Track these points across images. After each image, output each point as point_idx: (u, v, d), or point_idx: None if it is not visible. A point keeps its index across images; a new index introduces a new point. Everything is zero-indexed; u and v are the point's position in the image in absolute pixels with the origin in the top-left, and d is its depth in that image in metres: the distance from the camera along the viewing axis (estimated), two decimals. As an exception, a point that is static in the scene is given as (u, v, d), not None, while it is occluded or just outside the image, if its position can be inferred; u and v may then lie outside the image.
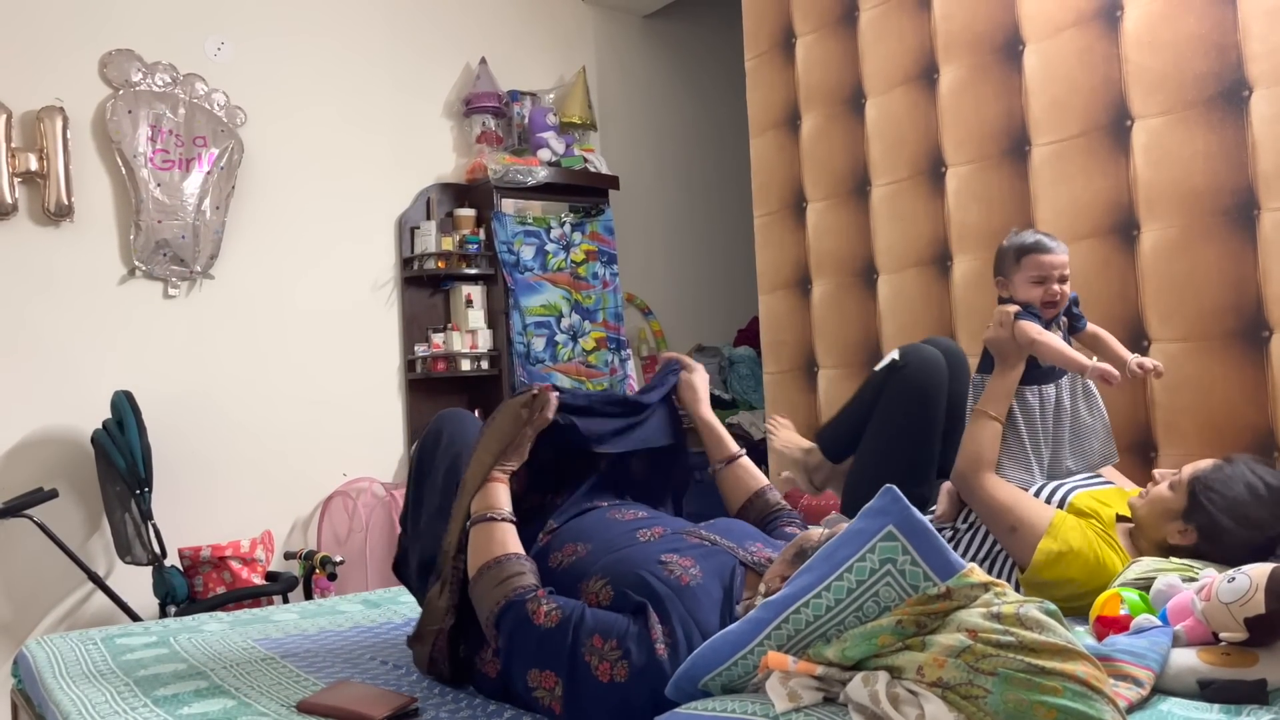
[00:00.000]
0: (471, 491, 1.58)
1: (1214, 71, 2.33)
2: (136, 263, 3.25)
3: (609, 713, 1.30)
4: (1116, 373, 1.87)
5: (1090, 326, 2.12)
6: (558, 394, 1.66)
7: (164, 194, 3.26)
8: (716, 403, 4.33)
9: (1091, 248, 2.55)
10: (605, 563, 1.46)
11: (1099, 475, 2.11)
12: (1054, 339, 1.98)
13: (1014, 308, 2.01)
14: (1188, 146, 2.37)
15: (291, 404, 3.51)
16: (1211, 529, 1.73)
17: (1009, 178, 2.73)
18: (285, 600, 3.11)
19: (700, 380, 1.98)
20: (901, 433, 2.19)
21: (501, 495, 1.57)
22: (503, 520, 1.53)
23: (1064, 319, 2.09)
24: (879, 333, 3.06)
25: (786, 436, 2.58)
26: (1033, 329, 1.97)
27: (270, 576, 3.23)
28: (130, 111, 3.23)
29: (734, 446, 1.91)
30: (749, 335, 4.53)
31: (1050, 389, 2.05)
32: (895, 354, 2.26)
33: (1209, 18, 2.33)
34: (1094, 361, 1.91)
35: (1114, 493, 2.02)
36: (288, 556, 3.38)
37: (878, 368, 2.28)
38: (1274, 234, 2.24)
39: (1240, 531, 1.70)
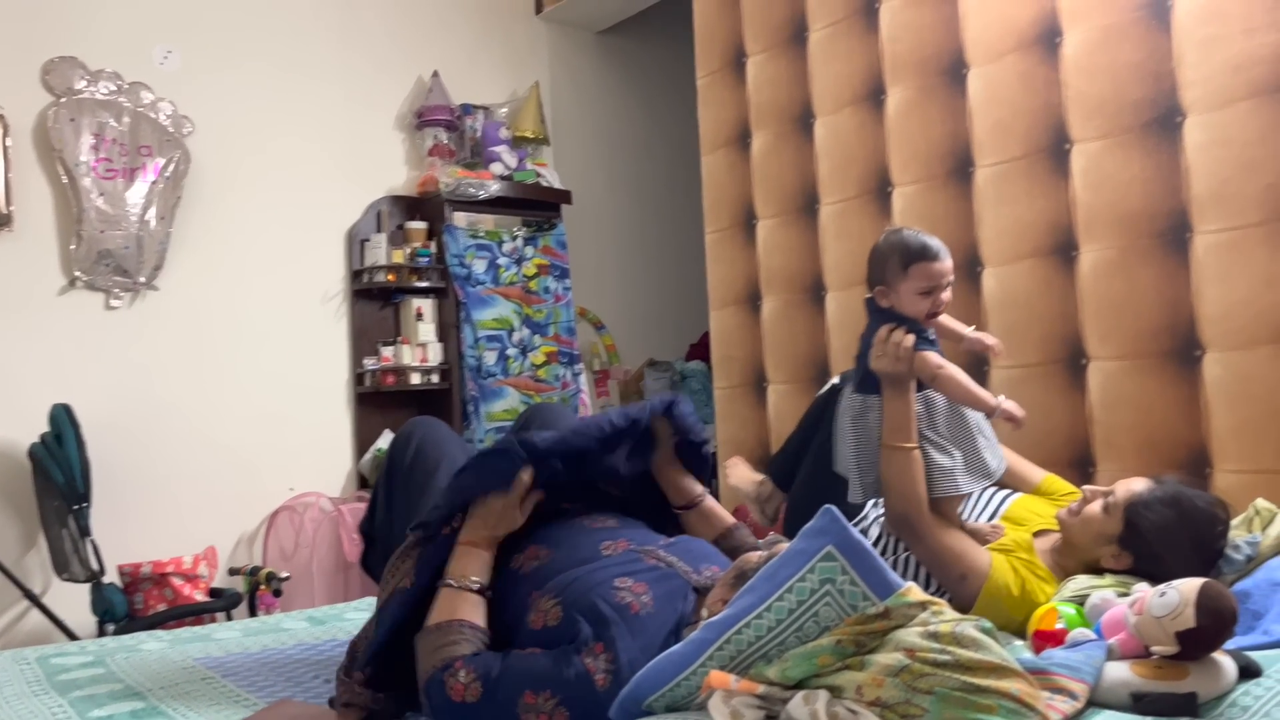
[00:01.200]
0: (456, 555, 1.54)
1: (1149, 98, 2.40)
2: (77, 273, 3.19)
3: None
4: (1022, 414, 1.77)
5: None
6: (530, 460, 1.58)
7: (107, 204, 3.21)
8: (668, 417, 4.36)
9: (1033, 268, 2.61)
10: (560, 580, 1.46)
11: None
12: (957, 372, 1.82)
13: (910, 339, 1.82)
14: (1125, 170, 2.44)
15: (237, 418, 3.46)
16: (1146, 555, 1.77)
17: (954, 198, 2.78)
18: (229, 618, 3.06)
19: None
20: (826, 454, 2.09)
21: (479, 564, 1.52)
22: (471, 591, 1.49)
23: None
24: (828, 349, 3.09)
25: (739, 474, 2.46)
26: (934, 361, 1.80)
27: (213, 593, 3.18)
28: (73, 120, 3.17)
29: (697, 489, 1.83)
30: (701, 350, 4.55)
31: (936, 395, 1.90)
32: (835, 378, 2.25)
33: (1144, 46, 2.40)
34: (1000, 401, 1.78)
35: (1034, 502, 2.06)
36: (232, 573, 3.33)
37: (820, 393, 2.26)
38: (1206, 256, 2.30)
39: (1174, 558, 1.74)
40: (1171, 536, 1.73)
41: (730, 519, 1.82)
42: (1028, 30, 2.62)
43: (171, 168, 3.33)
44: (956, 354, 2.08)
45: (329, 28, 3.76)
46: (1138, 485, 1.82)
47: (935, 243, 1.83)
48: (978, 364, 2.72)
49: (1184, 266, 2.34)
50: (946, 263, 1.83)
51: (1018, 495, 2.08)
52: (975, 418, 1.90)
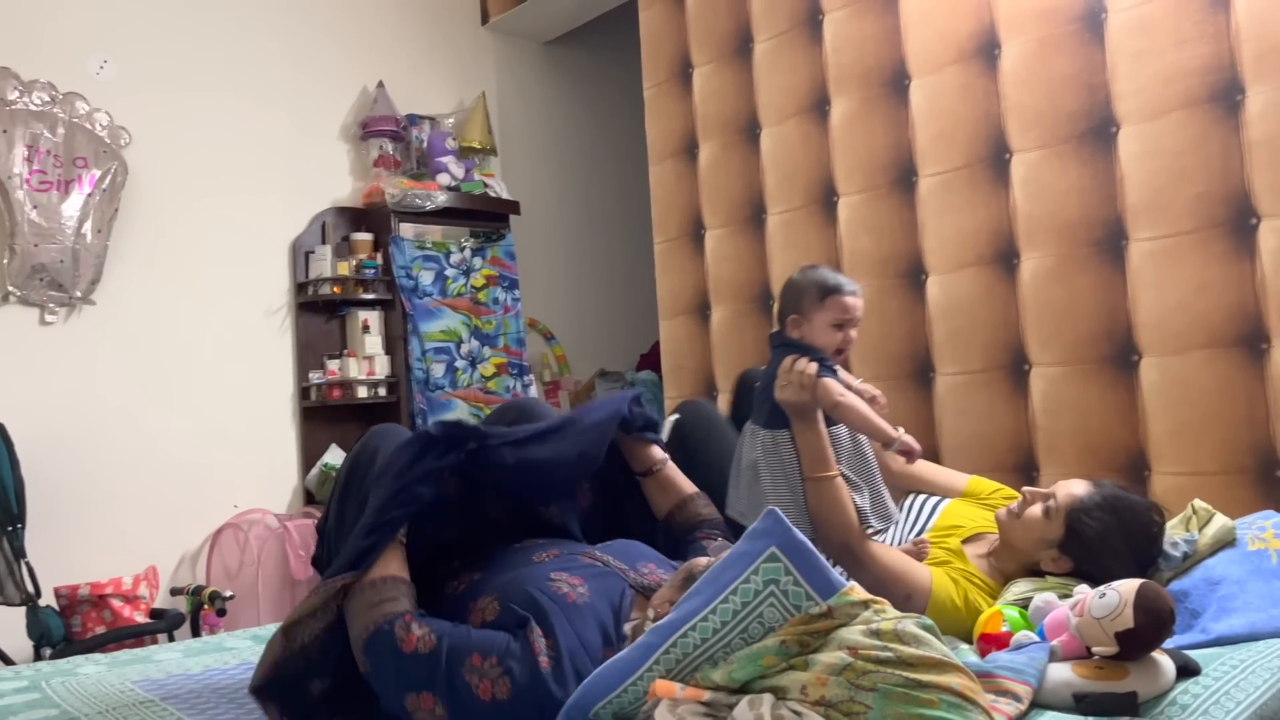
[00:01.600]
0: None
1: (1085, 109, 2.45)
2: (10, 288, 3.11)
3: None
4: (918, 448, 1.79)
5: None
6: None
7: (41, 216, 3.13)
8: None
9: (975, 275, 2.65)
10: (495, 582, 1.46)
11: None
12: (858, 402, 1.85)
13: (813, 366, 1.85)
14: (1062, 180, 2.49)
15: (179, 434, 3.39)
16: (1086, 559, 1.80)
17: (898, 207, 2.82)
18: (171, 639, 2.99)
19: None
20: (703, 481, 2.06)
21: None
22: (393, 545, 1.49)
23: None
24: (776, 358, 3.11)
25: None
26: (835, 390, 1.83)
27: (155, 614, 3.10)
28: (5, 131, 3.09)
29: (658, 456, 1.86)
30: (652, 360, 4.55)
31: (840, 429, 1.93)
32: (675, 415, 2.25)
33: (1079, 58, 2.46)
34: (900, 433, 1.80)
35: (963, 507, 2.09)
36: (174, 592, 3.26)
37: (665, 436, 2.22)
38: (1141, 264, 2.36)
39: (1113, 562, 1.77)
40: (1111, 541, 1.76)
41: (690, 488, 1.83)
42: (967, 42, 2.67)
43: (108, 180, 3.26)
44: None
45: (271, 37, 3.71)
46: (1078, 489, 1.84)
47: (850, 281, 1.90)
48: (923, 370, 2.75)
49: (1120, 274, 2.39)
50: (859, 299, 1.89)
51: (947, 502, 2.11)
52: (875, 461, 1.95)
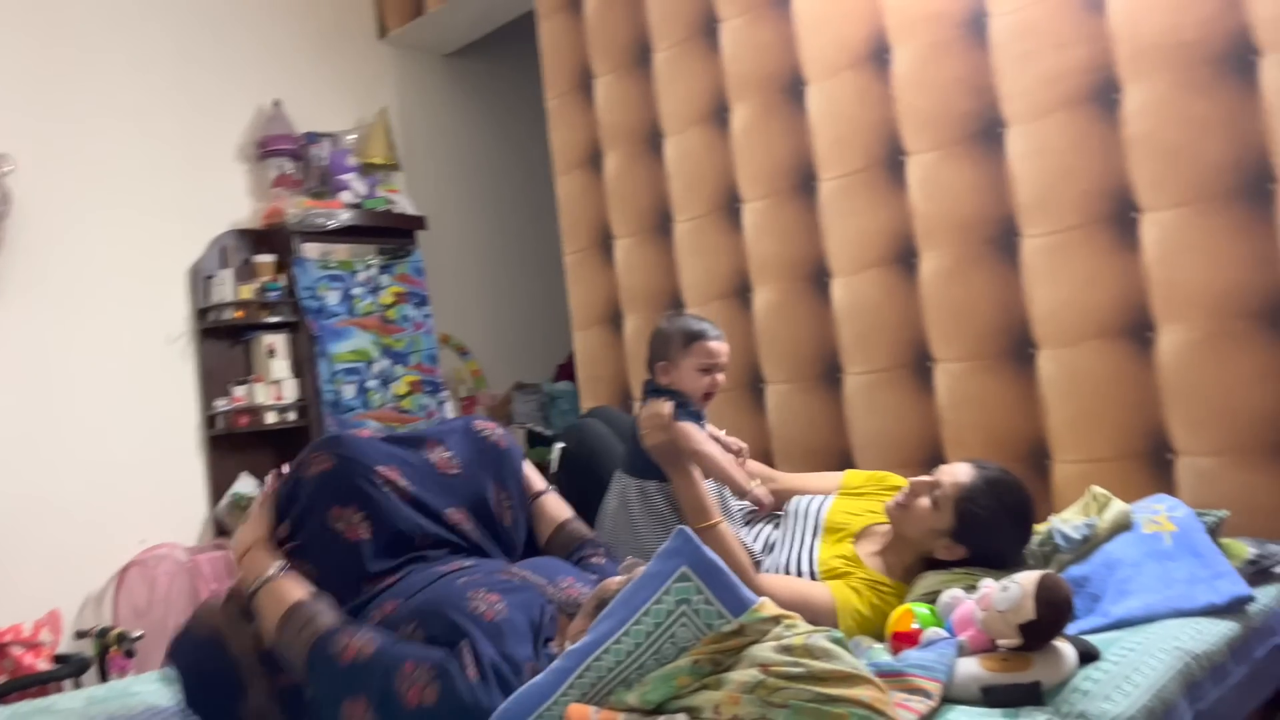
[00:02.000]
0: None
1: (974, 110, 2.52)
2: (-113, 327, 2.96)
3: None
4: (770, 502, 1.88)
5: None
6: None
7: (-82, 251, 2.98)
8: (540, 439, 4.34)
9: (878, 276, 2.70)
10: (414, 606, 1.44)
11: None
12: (716, 452, 1.92)
13: (669, 406, 1.93)
14: (956, 180, 2.55)
15: (78, 469, 3.26)
16: (979, 544, 1.85)
17: (800, 211, 2.86)
18: (78, 684, 2.87)
19: None
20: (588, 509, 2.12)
21: (265, 558, 1.53)
22: (281, 578, 1.48)
23: None
24: (689, 364, 3.13)
25: None
26: (696, 436, 1.91)
27: (59, 660, 2.97)
28: (-126, 162, 2.94)
29: (541, 484, 1.90)
30: (569, 371, 4.54)
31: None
32: (561, 444, 2.30)
33: (967, 61, 2.52)
34: (754, 485, 1.87)
35: (846, 504, 2.13)
36: (79, 636, 3.13)
37: (553, 469, 2.24)
38: (1033, 260, 2.43)
39: (1003, 543, 1.83)
40: (1000, 523, 1.81)
41: (566, 512, 1.86)
42: (860, 47, 2.72)
43: (-10, 209, 3.12)
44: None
45: (161, 56, 3.60)
46: (963, 476, 1.89)
47: (712, 326, 2.01)
48: (831, 371, 2.80)
49: (1015, 270, 2.46)
50: (724, 344, 2.00)
51: (830, 502, 2.14)
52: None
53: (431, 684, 1.28)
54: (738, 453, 2.01)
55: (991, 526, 1.78)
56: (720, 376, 1.98)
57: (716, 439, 2.04)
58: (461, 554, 1.66)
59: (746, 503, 2.10)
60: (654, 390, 2.00)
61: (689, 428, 1.92)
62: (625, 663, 1.16)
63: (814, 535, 2.04)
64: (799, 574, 1.96)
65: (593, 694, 1.17)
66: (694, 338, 1.97)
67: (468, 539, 1.69)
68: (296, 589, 1.47)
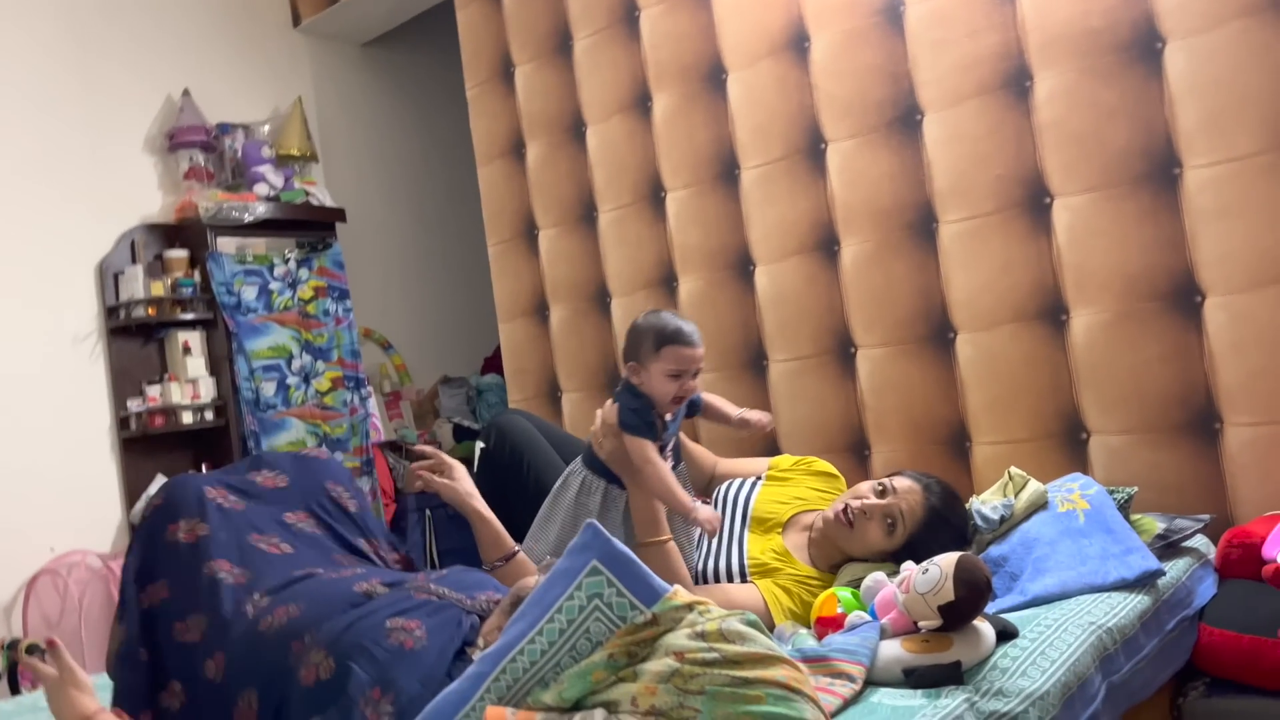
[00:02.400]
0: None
1: (891, 98, 2.54)
2: None
3: None
4: (715, 527, 1.79)
5: (704, 396, 2.04)
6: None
7: None
8: (467, 433, 4.28)
9: (800, 264, 2.72)
10: (327, 631, 1.38)
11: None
12: (663, 471, 1.82)
13: (613, 412, 1.87)
14: (875, 167, 2.58)
15: (-19, 477, 3.13)
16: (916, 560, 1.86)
17: (723, 200, 2.86)
18: (-15, 699, 2.76)
19: (461, 474, 1.87)
20: (532, 500, 2.09)
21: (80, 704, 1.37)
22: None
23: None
24: (615, 355, 3.12)
25: None
26: (642, 453, 1.81)
27: (-35, 674, 2.86)
28: None
29: (511, 544, 1.84)
30: (496, 364, 4.50)
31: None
32: (479, 444, 2.23)
33: (883, 49, 2.54)
34: (696, 507, 1.80)
35: (773, 491, 2.13)
36: (-14, 648, 3.01)
37: (475, 468, 2.18)
38: (951, 245, 2.47)
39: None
40: (944, 547, 1.79)
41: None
42: (779, 35, 2.73)
43: (-122, 205, 2.97)
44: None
45: (62, 43, 3.45)
46: (918, 506, 1.89)
47: (690, 329, 1.86)
48: (756, 359, 2.81)
49: (933, 255, 2.50)
50: (698, 350, 1.85)
51: (757, 488, 2.13)
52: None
53: None
54: (759, 424, 1.93)
55: (937, 547, 1.76)
56: (693, 383, 1.86)
57: (745, 419, 1.97)
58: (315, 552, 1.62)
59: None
60: (625, 388, 1.89)
61: (635, 442, 1.82)
62: (540, 662, 1.15)
63: (743, 526, 2.04)
64: (728, 571, 1.95)
65: (510, 696, 1.15)
66: (665, 341, 1.83)
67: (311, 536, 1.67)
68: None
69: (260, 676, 1.38)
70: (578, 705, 1.10)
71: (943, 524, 1.89)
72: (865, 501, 1.90)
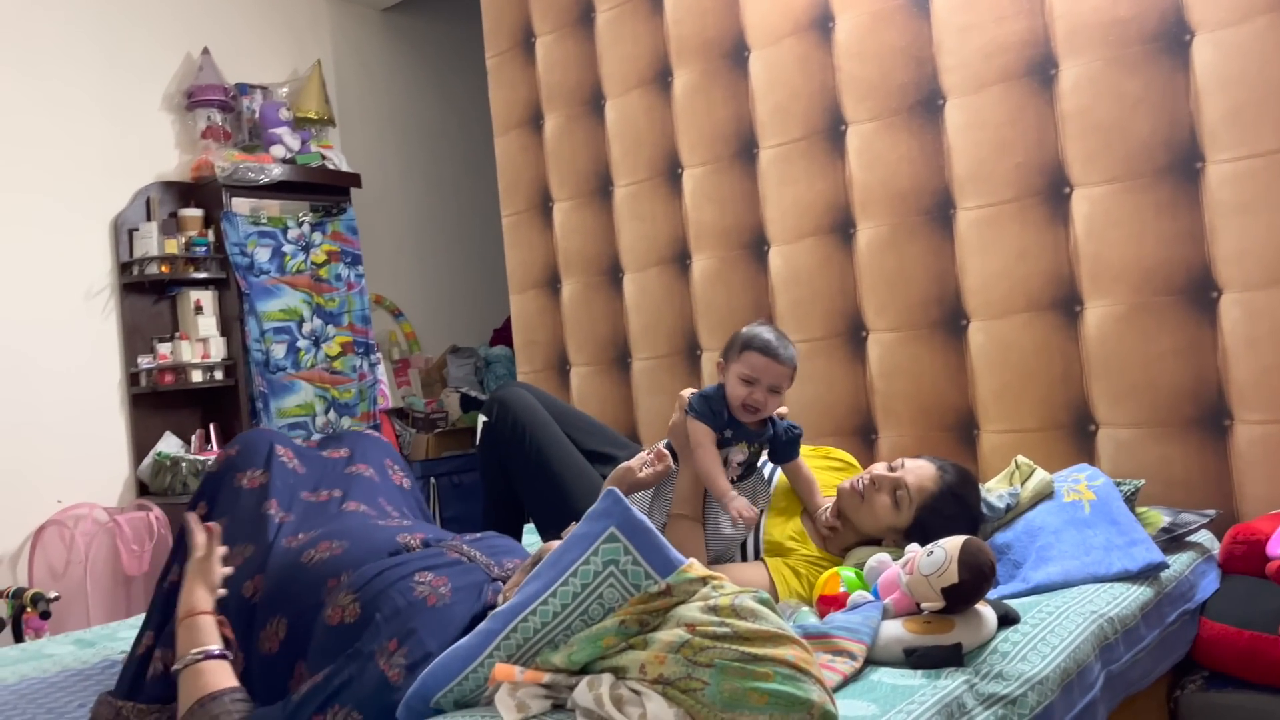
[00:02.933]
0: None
1: (914, 81, 2.53)
2: None
3: None
4: (751, 516, 1.80)
5: (804, 467, 2.02)
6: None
7: None
8: (474, 403, 4.30)
9: (814, 245, 2.71)
10: (359, 575, 1.41)
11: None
12: (710, 455, 1.85)
13: (689, 391, 1.91)
14: (894, 151, 2.56)
15: (-8, 427, 3.15)
16: (929, 540, 1.86)
17: (740, 179, 2.85)
18: (-10, 646, 2.79)
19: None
20: (535, 475, 2.12)
21: (205, 631, 1.43)
22: (212, 659, 1.40)
23: (766, 443, 1.95)
24: (627, 331, 3.12)
25: None
26: (698, 434, 1.86)
27: (-30, 621, 2.89)
28: None
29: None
30: (505, 335, 4.50)
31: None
32: (482, 417, 2.24)
33: (908, 31, 2.53)
34: (733, 495, 1.82)
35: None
36: (-8, 597, 3.04)
37: (477, 443, 2.24)
38: (968, 232, 2.46)
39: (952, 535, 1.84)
40: (955, 528, 1.78)
41: None
42: (803, 15, 2.71)
43: (-103, 152, 2.98)
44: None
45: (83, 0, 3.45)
46: (928, 481, 1.86)
47: (780, 345, 1.87)
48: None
49: (949, 241, 2.49)
50: (776, 365, 1.85)
51: (777, 476, 2.09)
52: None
53: (352, 714, 1.24)
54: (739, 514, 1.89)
55: (948, 530, 1.75)
56: (760, 395, 1.85)
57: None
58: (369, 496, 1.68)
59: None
60: (717, 384, 1.94)
61: (695, 425, 1.86)
62: (552, 624, 1.16)
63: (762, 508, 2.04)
64: (743, 547, 1.96)
65: (519, 655, 1.16)
66: (746, 345, 1.87)
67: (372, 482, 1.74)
68: (221, 678, 1.38)
69: (292, 606, 1.42)
70: (586, 669, 1.11)
71: (953, 505, 1.86)
72: (876, 473, 1.91)
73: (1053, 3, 2.32)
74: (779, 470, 2.10)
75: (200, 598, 1.45)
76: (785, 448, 1.96)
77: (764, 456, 1.98)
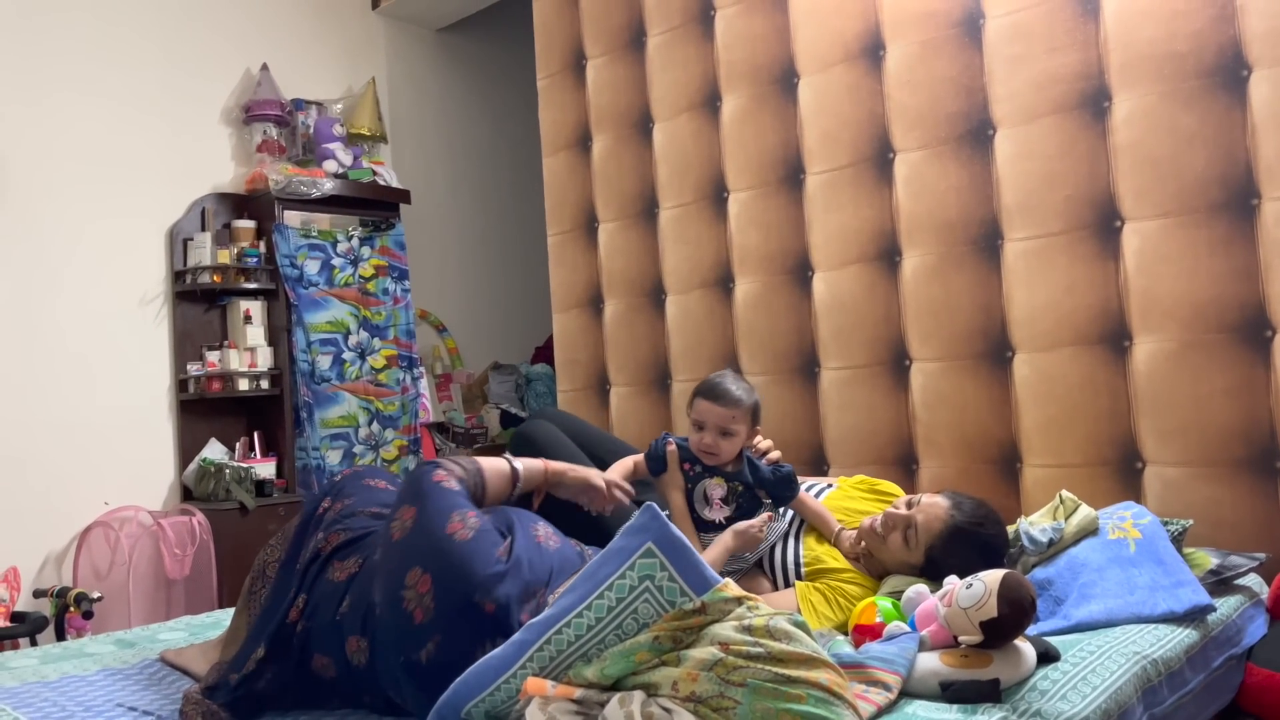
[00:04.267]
0: None
1: (964, 111, 2.52)
2: None
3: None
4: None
5: (804, 501, 2.05)
6: None
7: (-111, 196, 2.93)
8: (514, 421, 4.32)
9: (859, 272, 2.70)
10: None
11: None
12: (677, 501, 1.98)
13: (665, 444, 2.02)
14: (942, 180, 2.55)
15: (44, 427, 3.22)
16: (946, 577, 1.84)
17: (786, 204, 2.85)
18: (34, 643, 2.84)
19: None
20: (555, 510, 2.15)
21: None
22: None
23: (748, 482, 1.99)
24: (668, 352, 3.12)
25: None
26: (661, 484, 2.01)
27: (15, 618, 2.94)
28: None
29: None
30: (547, 353, 4.53)
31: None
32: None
33: (959, 61, 2.52)
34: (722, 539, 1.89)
35: (842, 500, 2.14)
36: (38, 595, 3.10)
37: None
38: (1016, 263, 2.44)
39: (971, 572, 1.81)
40: (967, 567, 1.74)
41: None
42: (853, 43, 2.72)
43: (-34, 158, 3.07)
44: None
45: (149, 15, 3.55)
46: (936, 521, 1.85)
47: (724, 386, 1.97)
48: (809, 365, 2.80)
49: (996, 272, 2.47)
50: (718, 407, 1.95)
51: (824, 495, 2.13)
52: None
53: (471, 521, 1.44)
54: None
55: (960, 569, 1.73)
56: (710, 438, 1.95)
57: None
58: None
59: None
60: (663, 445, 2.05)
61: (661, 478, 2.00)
62: (586, 637, 1.16)
63: (800, 526, 2.04)
64: (784, 567, 1.96)
65: (552, 668, 1.17)
66: (694, 394, 2.00)
67: None
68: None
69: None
70: (617, 684, 1.11)
71: (961, 543, 1.83)
72: (889, 511, 1.91)
73: (1107, 35, 2.30)
74: (824, 497, 2.10)
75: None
76: (779, 487, 2.00)
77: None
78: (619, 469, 2.00)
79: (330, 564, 1.59)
